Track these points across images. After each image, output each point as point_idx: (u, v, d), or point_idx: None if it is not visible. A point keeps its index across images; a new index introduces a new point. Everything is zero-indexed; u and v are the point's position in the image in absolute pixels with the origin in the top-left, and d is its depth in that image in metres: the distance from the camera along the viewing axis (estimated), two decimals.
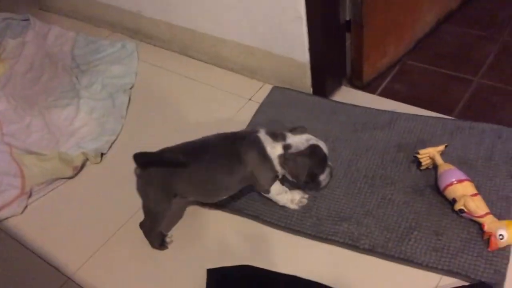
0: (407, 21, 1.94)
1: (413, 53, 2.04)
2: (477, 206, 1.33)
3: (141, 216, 1.44)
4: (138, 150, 1.21)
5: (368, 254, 1.37)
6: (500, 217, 1.35)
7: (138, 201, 1.37)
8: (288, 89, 1.90)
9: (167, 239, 1.47)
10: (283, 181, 1.47)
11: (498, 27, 2.10)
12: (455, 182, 1.38)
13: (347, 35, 1.82)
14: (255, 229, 1.48)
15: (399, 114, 1.73)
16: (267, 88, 1.93)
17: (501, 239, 1.28)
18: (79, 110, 1.92)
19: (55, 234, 1.55)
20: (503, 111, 1.74)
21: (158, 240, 1.45)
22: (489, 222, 1.31)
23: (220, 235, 1.48)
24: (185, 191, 1.40)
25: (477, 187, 1.44)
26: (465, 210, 1.34)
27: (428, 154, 1.48)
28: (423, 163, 1.50)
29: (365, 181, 1.54)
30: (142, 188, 1.36)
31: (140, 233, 1.44)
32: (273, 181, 1.43)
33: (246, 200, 1.54)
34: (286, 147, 1.37)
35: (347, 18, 1.72)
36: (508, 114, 1.72)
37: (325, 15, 1.67)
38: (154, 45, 2.26)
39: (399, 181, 1.52)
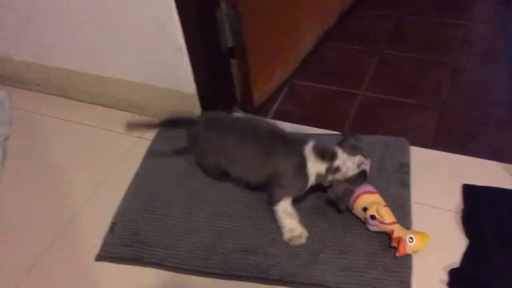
0: (289, 42, 1.97)
1: (299, 72, 2.07)
2: (388, 213, 1.35)
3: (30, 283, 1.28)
4: (19, 208, 1.07)
5: (278, 284, 1.33)
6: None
7: (26, 265, 1.21)
8: None
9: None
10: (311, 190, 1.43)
11: (374, 40, 2.20)
12: (365, 191, 1.38)
13: (233, 62, 1.80)
14: (158, 277, 1.38)
15: None
16: None
17: (411, 242, 1.30)
18: None
19: None
20: (387, 120, 1.81)
21: (215, 173, 1.54)
22: (398, 228, 1.33)
23: None
24: (227, 160, 1.43)
25: None
26: (377, 216, 1.35)
27: None
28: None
29: (266, 208, 1.51)
30: (197, 145, 1.49)
31: None
32: (289, 197, 1.38)
33: (145, 248, 1.43)
34: (332, 169, 1.33)
35: (229, 45, 1.70)
36: (393, 123, 1.79)
37: (206, 44, 1.63)
38: (29, 90, 2.08)
39: (300, 203, 1.50)
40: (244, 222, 1.48)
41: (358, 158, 1.33)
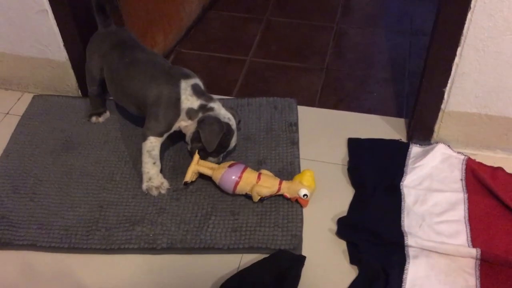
0: (170, 8, 1.88)
1: (185, 41, 2.00)
2: (268, 187, 1.31)
3: None
4: None
5: (167, 253, 1.26)
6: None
7: None
8: (52, 95, 1.67)
9: (101, 117, 1.57)
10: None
11: (260, 8, 2.18)
12: (238, 180, 1.31)
13: None
14: (33, 260, 1.24)
15: None
16: (28, 98, 1.67)
17: (307, 197, 1.30)
18: None
19: None
20: (275, 83, 1.80)
21: (94, 103, 1.56)
22: (287, 190, 1.31)
23: None
24: (107, 73, 1.42)
25: (263, 159, 1.46)
26: (264, 197, 1.32)
27: (192, 171, 1.35)
28: (189, 180, 1.37)
29: None
30: (89, 50, 1.46)
31: None
32: (159, 133, 1.33)
33: (15, 229, 1.28)
34: (205, 108, 1.33)
35: None
36: (281, 86, 1.79)
37: (75, 5, 1.48)
38: None
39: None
40: (128, 193, 1.38)
41: (230, 114, 1.39)
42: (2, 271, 1.22)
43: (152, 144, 1.33)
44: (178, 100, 1.32)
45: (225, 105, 1.61)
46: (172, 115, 1.33)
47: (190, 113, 1.34)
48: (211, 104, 1.35)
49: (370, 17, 2.15)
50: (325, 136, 1.56)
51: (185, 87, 1.33)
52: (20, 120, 1.58)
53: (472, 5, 1.18)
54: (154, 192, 1.37)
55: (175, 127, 1.36)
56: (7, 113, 1.63)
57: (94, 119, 1.56)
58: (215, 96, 1.68)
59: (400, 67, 1.88)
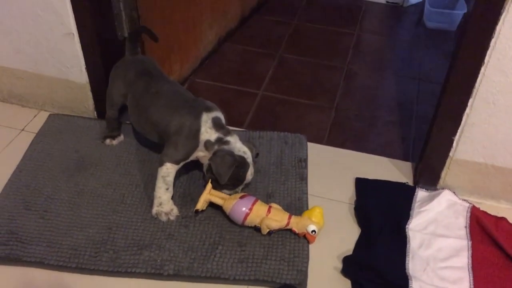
0: (189, 38, 1.94)
1: (200, 71, 2.05)
2: (278, 221, 1.33)
3: None
4: None
5: (173, 279, 1.27)
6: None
7: None
8: (68, 115, 1.71)
9: (116, 140, 1.61)
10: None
11: (273, 44, 2.25)
12: (248, 212, 1.34)
13: None
14: (40, 277, 1.25)
15: None
16: (44, 116, 1.70)
17: (315, 233, 1.32)
18: None
19: None
20: (286, 118, 1.84)
21: (110, 126, 1.60)
22: (296, 225, 1.34)
23: None
24: (131, 102, 1.47)
25: (272, 193, 1.48)
26: (272, 230, 1.34)
27: (204, 200, 1.38)
28: (201, 209, 1.39)
29: None
30: (113, 76, 1.51)
31: None
32: (176, 161, 1.36)
33: (24, 246, 1.29)
34: (222, 141, 1.36)
35: (126, 35, 1.62)
36: (291, 121, 1.83)
37: (100, 31, 1.54)
38: None
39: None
40: (137, 217, 1.40)
41: (245, 148, 1.40)
42: (5, 287, 1.22)
43: (168, 170, 1.36)
44: (198, 131, 1.36)
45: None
46: (191, 145, 1.36)
47: (207, 145, 1.37)
48: (228, 138, 1.38)
49: (380, 60, 2.21)
50: (333, 174, 1.59)
51: (206, 119, 1.37)
52: (35, 137, 1.61)
53: (486, 60, 1.24)
54: (163, 218, 1.39)
55: (192, 157, 1.39)
56: (23, 130, 1.66)
57: (108, 141, 1.59)
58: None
59: (408, 111, 1.92)
